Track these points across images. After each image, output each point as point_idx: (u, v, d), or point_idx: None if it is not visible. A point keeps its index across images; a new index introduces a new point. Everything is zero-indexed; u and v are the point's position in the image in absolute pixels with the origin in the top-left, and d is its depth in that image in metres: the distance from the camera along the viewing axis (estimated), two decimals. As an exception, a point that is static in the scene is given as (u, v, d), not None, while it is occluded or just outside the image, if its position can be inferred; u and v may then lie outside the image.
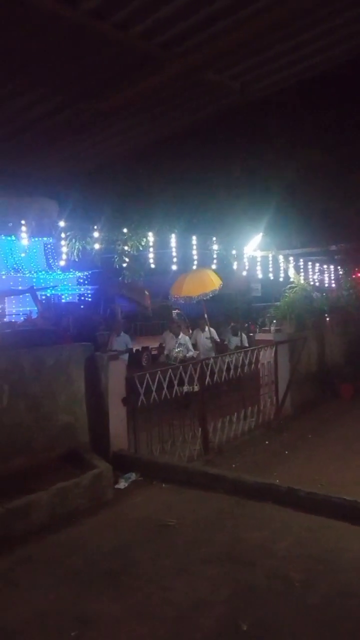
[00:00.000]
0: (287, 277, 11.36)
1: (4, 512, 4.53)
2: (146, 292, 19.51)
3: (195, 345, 10.80)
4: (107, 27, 4.01)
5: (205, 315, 10.85)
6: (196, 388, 7.37)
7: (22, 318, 19.97)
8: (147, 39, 4.23)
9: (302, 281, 10.70)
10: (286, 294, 9.84)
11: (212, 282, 10.00)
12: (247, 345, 11.16)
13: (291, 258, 11.71)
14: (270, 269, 11.99)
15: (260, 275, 12.18)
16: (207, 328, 10.89)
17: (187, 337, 10.99)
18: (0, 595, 3.79)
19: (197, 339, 11.05)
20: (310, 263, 13.70)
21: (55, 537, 4.63)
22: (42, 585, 3.90)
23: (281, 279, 11.99)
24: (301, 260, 12.87)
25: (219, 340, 11.27)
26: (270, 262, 11.78)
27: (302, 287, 10.02)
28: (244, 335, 11.48)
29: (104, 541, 4.56)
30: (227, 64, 4.86)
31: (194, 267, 9.89)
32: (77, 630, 3.35)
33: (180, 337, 10.57)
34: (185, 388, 7.26)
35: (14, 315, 21.40)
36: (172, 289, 10.56)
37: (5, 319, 20.41)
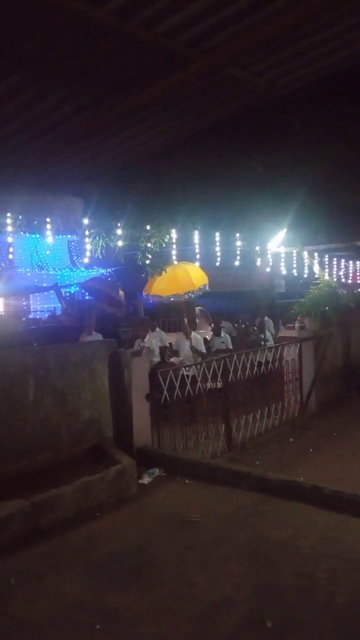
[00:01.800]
0: (311, 273, 11.25)
1: (31, 505, 4.60)
2: (121, 291, 16.49)
3: (177, 353, 9.26)
4: (132, 26, 4.03)
5: (186, 320, 9.24)
6: (219, 385, 7.37)
7: (46, 315, 20.20)
8: (171, 37, 4.24)
9: (327, 277, 10.57)
10: (311, 290, 9.74)
11: (190, 282, 8.56)
12: (231, 347, 9.95)
13: (316, 254, 11.59)
14: (295, 265, 11.90)
15: (284, 272, 12.10)
16: (192, 335, 9.18)
17: (199, 337, 9.55)
18: (26, 588, 3.86)
19: (180, 347, 9.20)
20: (335, 259, 13.55)
21: (80, 531, 4.68)
22: (66, 578, 3.95)
23: (305, 275, 11.89)
24: (326, 256, 12.73)
25: (204, 351, 9.25)
26: (295, 258, 11.69)
27: (327, 283, 9.90)
28: (227, 336, 10.76)
29: (127, 536, 4.60)
30: (251, 61, 4.83)
31: (175, 262, 8.78)
32: (101, 624, 3.38)
33: (192, 336, 9.22)
34: (209, 385, 7.26)
35: (38, 312, 21.68)
36: (147, 285, 9.11)
37: (30, 316, 20.69)
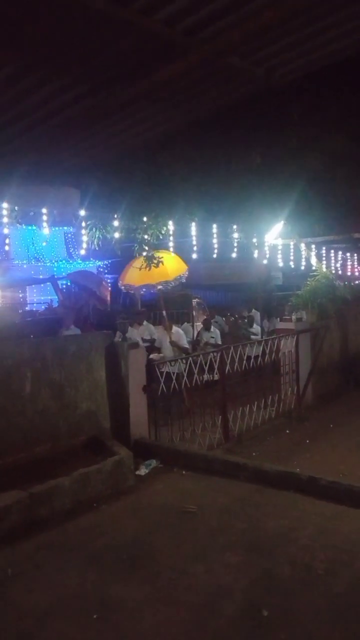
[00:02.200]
0: (309, 265, 11.25)
1: (29, 496, 4.61)
2: (104, 283, 15.85)
3: (159, 350, 8.84)
4: (130, 13, 3.98)
5: (164, 313, 8.64)
6: (216, 377, 7.38)
7: (43, 307, 20.18)
8: (170, 25, 4.19)
9: (324, 269, 10.57)
10: (308, 283, 9.74)
11: (164, 273, 8.06)
12: (220, 342, 9.68)
13: (313, 246, 11.59)
14: (292, 257, 11.89)
15: (281, 264, 12.08)
16: (174, 329, 8.75)
17: (181, 331, 9.17)
18: (25, 578, 3.87)
19: (162, 343, 8.81)
20: (332, 251, 13.54)
21: (78, 522, 4.69)
22: (65, 569, 3.96)
23: (303, 268, 11.88)
24: (323, 248, 12.72)
25: (186, 346, 8.80)
26: (292, 250, 11.68)
27: (324, 276, 9.90)
28: (217, 331, 10.61)
29: (125, 527, 4.62)
30: (250, 50, 4.80)
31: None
32: (100, 614, 3.40)
33: (173, 330, 8.91)
34: (206, 377, 7.27)
35: (35, 304, 21.64)
36: (121, 275, 8.65)
37: (26, 308, 20.64)
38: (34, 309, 19.88)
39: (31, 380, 5.65)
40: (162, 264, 8.09)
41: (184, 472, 5.77)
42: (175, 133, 7.13)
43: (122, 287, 8.99)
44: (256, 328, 10.99)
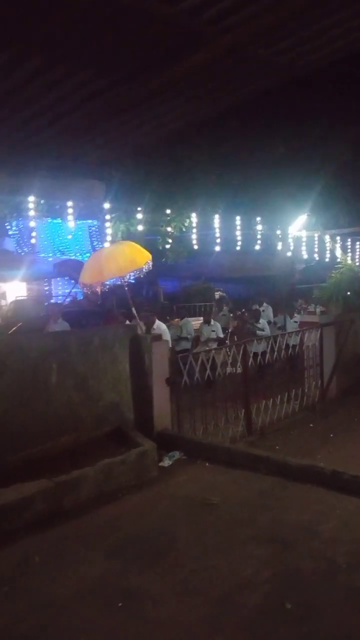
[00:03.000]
0: (333, 257, 11.11)
1: (54, 486, 4.69)
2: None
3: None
4: (153, 4, 3.97)
5: (134, 309, 7.85)
6: (239, 370, 7.36)
7: (67, 299, 20.38)
8: (193, 16, 4.17)
9: (349, 261, 10.42)
10: (332, 275, 9.62)
11: (118, 267, 7.24)
12: (221, 336, 9.54)
13: (338, 238, 11.43)
14: (316, 250, 11.76)
15: (305, 256, 11.96)
16: (156, 324, 8.18)
17: (163, 326, 8.59)
18: (48, 567, 3.94)
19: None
20: (358, 243, 13.34)
21: (102, 512, 4.75)
22: (88, 558, 4.02)
23: (327, 260, 11.74)
24: (349, 239, 12.55)
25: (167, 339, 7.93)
26: (316, 242, 11.55)
27: (349, 268, 9.77)
28: (217, 324, 10.33)
29: (148, 518, 4.66)
30: (274, 39, 4.74)
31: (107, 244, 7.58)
32: (122, 603, 3.44)
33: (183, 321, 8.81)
34: (228, 370, 7.26)
35: (60, 297, 21.86)
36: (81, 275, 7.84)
37: (51, 300, 20.87)
38: (59, 302, 20.08)
39: (56, 371, 5.72)
40: (124, 254, 7.38)
41: (207, 464, 5.78)
42: (197, 125, 7.09)
43: (84, 288, 8.15)
44: (263, 323, 10.43)
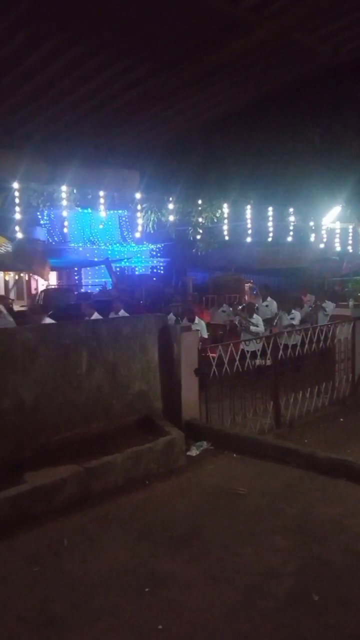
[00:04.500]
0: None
1: (84, 471, 4.76)
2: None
3: None
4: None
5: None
6: (268, 362, 7.32)
7: (97, 289, 20.59)
8: (234, 2, 4.11)
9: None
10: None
11: None
12: (205, 336, 9.06)
13: (373, 230, 11.21)
14: (350, 242, 11.56)
15: (338, 248, 11.77)
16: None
17: (203, 323, 8.93)
18: (79, 549, 4.01)
19: None
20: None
21: (130, 499, 4.81)
22: (117, 542, 4.09)
23: (362, 252, 11.54)
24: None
25: None
26: (351, 234, 11.34)
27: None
28: (202, 322, 9.69)
29: (176, 505, 4.70)
30: (316, 26, 4.64)
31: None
32: (150, 588, 3.49)
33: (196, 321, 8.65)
34: (258, 362, 7.22)
35: (89, 286, 22.11)
36: None
37: (81, 290, 21.12)
38: (89, 291, 20.31)
39: (87, 359, 5.79)
40: None
41: (234, 455, 5.78)
42: (231, 114, 7.01)
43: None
44: (256, 318, 9.77)
